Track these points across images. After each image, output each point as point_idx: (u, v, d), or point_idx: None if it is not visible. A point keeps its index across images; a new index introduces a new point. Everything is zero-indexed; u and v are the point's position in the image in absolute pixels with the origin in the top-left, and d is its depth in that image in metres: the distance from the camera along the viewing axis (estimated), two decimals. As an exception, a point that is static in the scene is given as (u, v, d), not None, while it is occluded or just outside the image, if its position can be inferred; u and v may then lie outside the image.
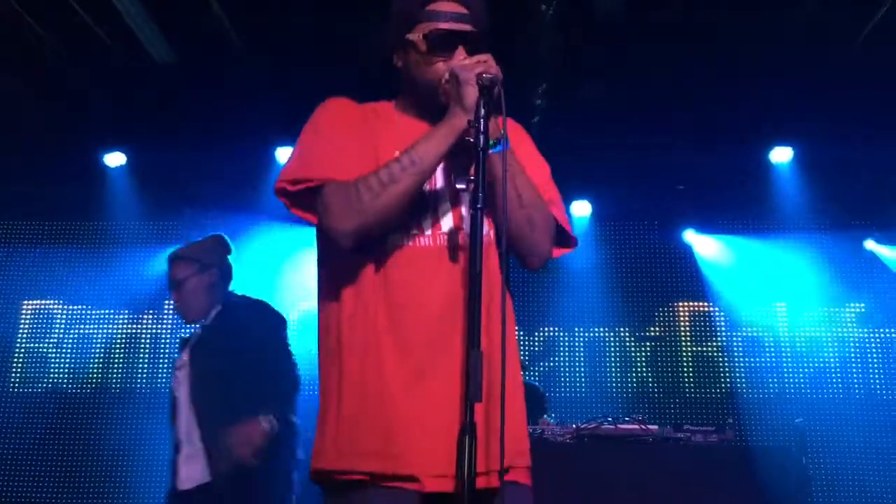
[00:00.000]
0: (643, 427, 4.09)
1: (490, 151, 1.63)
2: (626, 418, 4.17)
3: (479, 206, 1.49)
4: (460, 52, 1.78)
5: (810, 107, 5.71)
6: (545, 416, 4.48)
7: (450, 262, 1.75)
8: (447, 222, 1.80)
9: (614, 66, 5.52)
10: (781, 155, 6.28)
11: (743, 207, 6.65)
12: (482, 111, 1.57)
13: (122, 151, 6.44)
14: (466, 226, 1.73)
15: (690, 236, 6.72)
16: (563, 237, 1.93)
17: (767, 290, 6.63)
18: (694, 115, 5.83)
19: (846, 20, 5.21)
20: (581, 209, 6.81)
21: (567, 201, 6.76)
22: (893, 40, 5.26)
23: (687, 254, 6.71)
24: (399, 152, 1.72)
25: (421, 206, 1.78)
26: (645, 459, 4.02)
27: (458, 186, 1.74)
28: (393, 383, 1.67)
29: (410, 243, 1.77)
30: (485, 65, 1.66)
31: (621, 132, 6.08)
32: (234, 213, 6.38)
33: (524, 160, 1.84)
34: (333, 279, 1.81)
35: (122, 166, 6.48)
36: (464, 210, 1.80)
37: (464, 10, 1.82)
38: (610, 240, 6.89)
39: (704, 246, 6.72)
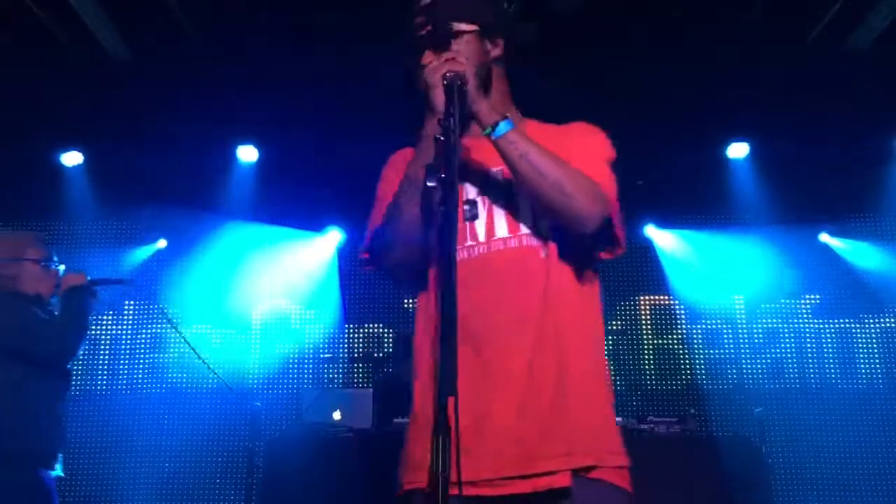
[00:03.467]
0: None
1: (493, 137, 1.67)
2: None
3: (448, 202, 1.48)
4: (427, 55, 1.80)
5: (765, 103, 5.82)
6: None
7: (483, 271, 1.79)
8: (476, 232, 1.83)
9: (571, 64, 5.56)
10: (738, 150, 6.40)
11: (701, 202, 6.74)
12: (451, 109, 1.57)
13: (79, 150, 6.35)
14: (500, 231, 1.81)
15: (651, 231, 6.80)
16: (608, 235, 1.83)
17: (726, 283, 6.74)
18: (652, 112, 5.89)
19: (798, 19, 5.32)
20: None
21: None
22: (843, 38, 5.40)
23: (647, 248, 6.78)
24: None
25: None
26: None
27: (429, 184, 1.74)
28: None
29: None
30: (449, 63, 1.67)
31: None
32: (193, 211, 6.32)
33: (578, 151, 1.83)
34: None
35: (79, 165, 6.38)
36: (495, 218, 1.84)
37: (425, 17, 1.84)
38: (572, 235, 6.95)
39: (664, 240, 6.81)
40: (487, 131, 1.69)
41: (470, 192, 1.87)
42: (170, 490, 6.17)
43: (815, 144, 6.07)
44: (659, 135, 6.10)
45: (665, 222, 6.82)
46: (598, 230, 1.74)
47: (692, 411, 4.79)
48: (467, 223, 1.80)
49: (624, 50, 5.43)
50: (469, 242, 1.82)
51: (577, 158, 1.79)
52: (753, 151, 6.37)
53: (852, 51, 5.47)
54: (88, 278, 3.55)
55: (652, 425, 4.17)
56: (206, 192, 6.34)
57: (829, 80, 5.58)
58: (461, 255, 1.78)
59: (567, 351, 1.74)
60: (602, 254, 1.86)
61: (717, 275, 6.70)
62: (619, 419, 4.17)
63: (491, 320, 1.74)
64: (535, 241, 1.80)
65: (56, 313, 3.54)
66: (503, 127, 1.69)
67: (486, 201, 1.85)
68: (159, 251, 6.85)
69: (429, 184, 1.63)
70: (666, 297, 6.82)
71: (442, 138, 1.52)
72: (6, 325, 3.36)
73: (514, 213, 1.82)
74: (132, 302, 6.87)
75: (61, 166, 6.36)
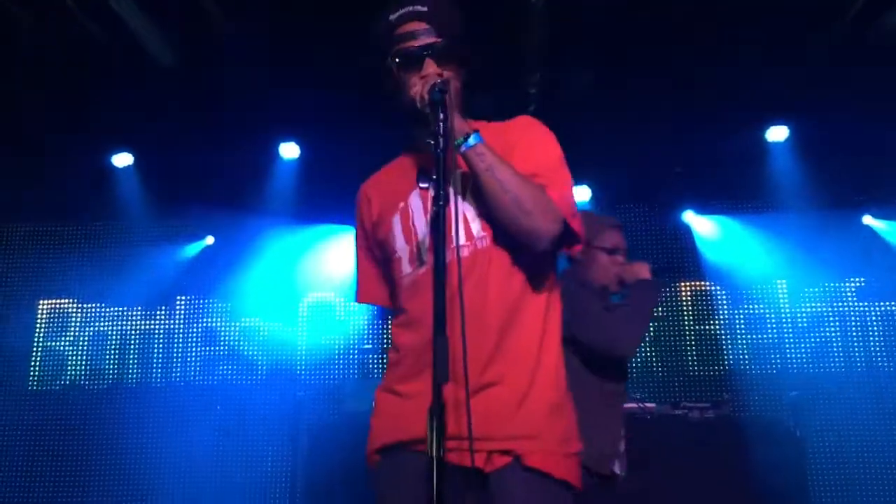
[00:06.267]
0: (641, 405, 4.21)
1: (462, 149, 1.77)
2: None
3: (440, 202, 1.59)
4: (429, 64, 1.88)
5: (805, 85, 5.75)
6: None
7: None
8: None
9: (607, 53, 5.58)
10: (778, 134, 6.34)
11: (741, 187, 6.71)
12: (440, 117, 1.68)
13: (129, 152, 6.59)
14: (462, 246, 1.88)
15: (690, 217, 6.79)
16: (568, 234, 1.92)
17: (768, 268, 6.70)
18: (690, 97, 5.89)
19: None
20: (581, 195, 6.91)
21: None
22: (884, 16, 5.31)
23: (687, 234, 6.78)
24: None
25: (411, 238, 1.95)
26: (644, 436, 4.13)
27: (421, 186, 1.87)
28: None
29: (411, 272, 1.95)
30: (433, 78, 1.79)
31: (618, 117, 6.15)
32: (239, 208, 6.52)
33: (524, 150, 1.93)
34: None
35: (128, 166, 6.62)
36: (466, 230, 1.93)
37: (425, 26, 1.92)
38: (611, 223, 6.98)
39: (704, 226, 6.80)
40: (459, 142, 1.79)
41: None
42: (220, 473, 6.42)
43: (856, 125, 5.99)
44: (697, 120, 6.10)
45: (705, 208, 6.81)
46: (550, 245, 1.86)
47: (726, 396, 4.81)
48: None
49: (663, 37, 5.43)
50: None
51: (530, 159, 1.90)
52: (793, 134, 6.30)
53: (893, 30, 5.39)
54: (653, 269, 3.21)
55: (686, 410, 4.22)
56: (251, 189, 6.52)
57: (869, 60, 5.51)
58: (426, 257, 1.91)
59: (516, 344, 1.87)
60: (563, 249, 1.96)
61: (758, 259, 6.67)
62: (652, 405, 4.26)
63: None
64: (486, 243, 1.90)
65: (619, 306, 3.16)
66: (472, 139, 1.80)
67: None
68: (207, 247, 7.09)
69: (421, 185, 1.74)
70: (707, 283, 6.82)
71: (432, 142, 1.65)
72: (566, 318, 3.20)
73: (470, 218, 1.91)
74: (184, 297, 7.13)
75: (112, 167, 6.61)
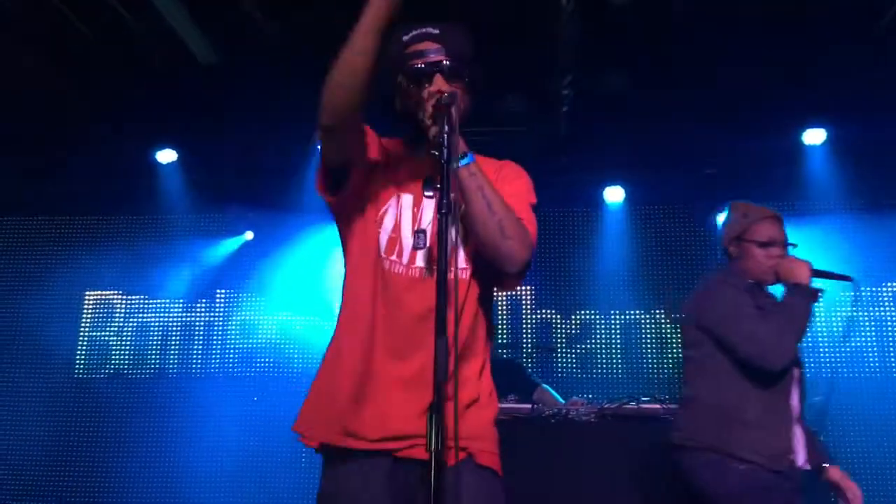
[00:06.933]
0: (664, 406, 4.24)
1: (457, 166, 1.87)
2: (646, 398, 4.31)
3: (443, 211, 1.68)
4: (438, 79, 1.99)
5: (842, 87, 5.72)
6: (511, 394, 4.57)
7: (427, 277, 2.01)
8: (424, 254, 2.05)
9: (641, 53, 5.61)
10: (814, 137, 6.30)
11: (776, 190, 6.66)
12: (445, 129, 1.77)
13: (173, 148, 6.79)
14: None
15: (723, 219, 6.76)
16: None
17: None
18: (725, 99, 5.89)
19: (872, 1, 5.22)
20: (614, 195, 6.94)
21: (600, 187, 6.95)
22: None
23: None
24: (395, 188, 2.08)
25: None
26: (666, 437, 4.16)
27: (426, 195, 1.97)
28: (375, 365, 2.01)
29: (394, 269, 2.04)
30: (440, 91, 1.90)
31: (652, 118, 6.17)
32: (278, 205, 6.68)
33: (507, 186, 2.08)
34: (345, 288, 2.14)
35: (172, 162, 6.83)
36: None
37: (436, 46, 2.04)
38: (644, 224, 7.02)
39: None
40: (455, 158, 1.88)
41: (424, 219, 2.07)
42: (251, 462, 6.63)
43: (893, 128, 5.94)
44: (733, 122, 6.10)
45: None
46: (519, 270, 1.98)
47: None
48: (416, 250, 2.03)
49: (698, 37, 5.43)
50: (414, 264, 2.04)
51: (510, 196, 2.03)
52: (831, 137, 6.26)
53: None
54: (814, 269, 2.97)
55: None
56: (290, 186, 6.65)
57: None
58: (410, 272, 2.03)
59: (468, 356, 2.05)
60: (520, 279, 2.06)
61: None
62: (675, 406, 4.27)
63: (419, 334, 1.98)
64: (466, 276, 2.06)
65: (772, 312, 2.95)
66: (468, 158, 1.92)
67: (434, 234, 2.02)
68: (246, 242, 7.28)
69: (426, 194, 1.84)
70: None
71: (436, 153, 1.74)
72: (713, 315, 3.01)
73: (456, 248, 2.01)
74: (224, 290, 7.33)
75: (157, 163, 6.83)
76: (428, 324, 1.78)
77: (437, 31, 2.05)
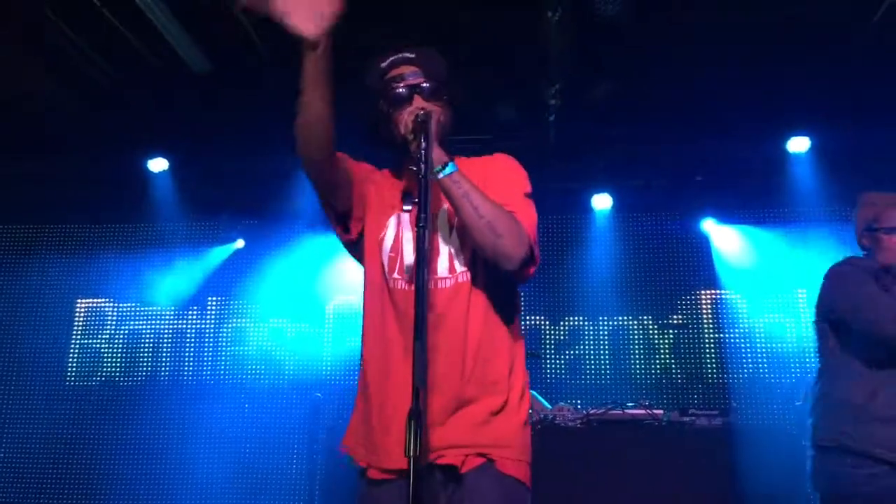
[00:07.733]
0: (649, 412, 4.31)
1: (440, 176, 1.95)
2: (631, 404, 4.37)
3: (420, 224, 1.75)
4: (417, 99, 2.10)
5: (826, 95, 5.79)
6: None
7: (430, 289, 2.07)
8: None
9: (628, 62, 5.67)
10: (799, 144, 6.38)
11: (761, 196, 6.76)
12: (422, 144, 1.86)
13: (164, 157, 6.83)
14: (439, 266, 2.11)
15: (709, 226, 6.85)
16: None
17: (788, 278, 6.73)
18: (711, 107, 5.96)
19: (859, 5, 5.28)
20: (602, 202, 7.01)
21: (588, 194, 7.02)
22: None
23: (707, 243, 6.84)
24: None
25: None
26: (651, 442, 4.24)
27: (405, 209, 2.05)
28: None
29: (398, 286, 2.13)
30: (420, 108, 2.01)
31: (639, 126, 6.24)
32: (268, 215, 6.72)
33: (498, 181, 2.15)
34: (363, 311, 2.27)
35: (164, 171, 6.87)
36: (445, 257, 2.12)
37: (414, 69, 2.14)
38: (632, 231, 7.09)
39: (724, 235, 6.85)
40: (437, 169, 1.96)
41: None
42: (243, 468, 6.64)
43: (877, 135, 6.01)
44: (718, 129, 6.16)
45: (724, 217, 6.86)
46: (518, 266, 2.02)
47: (734, 404, 4.88)
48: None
49: (678, 46, 5.50)
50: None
51: (502, 190, 2.10)
52: (815, 145, 6.33)
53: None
54: None
55: (693, 418, 4.31)
56: (281, 195, 6.69)
57: (890, 69, 5.53)
58: (411, 288, 2.03)
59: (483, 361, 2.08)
60: (525, 272, 2.09)
61: (778, 269, 6.70)
62: (660, 411, 4.35)
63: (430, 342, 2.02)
64: (466, 279, 2.11)
65: None
66: (449, 168, 1.98)
67: (433, 241, 2.12)
68: (237, 250, 7.32)
69: (405, 208, 1.91)
70: (727, 292, 6.87)
71: (413, 168, 1.82)
72: (835, 294, 2.99)
73: (454, 254, 2.12)
74: (215, 298, 7.37)
75: (148, 172, 6.87)
76: (436, 334, 1.93)
77: (412, 55, 2.16)
